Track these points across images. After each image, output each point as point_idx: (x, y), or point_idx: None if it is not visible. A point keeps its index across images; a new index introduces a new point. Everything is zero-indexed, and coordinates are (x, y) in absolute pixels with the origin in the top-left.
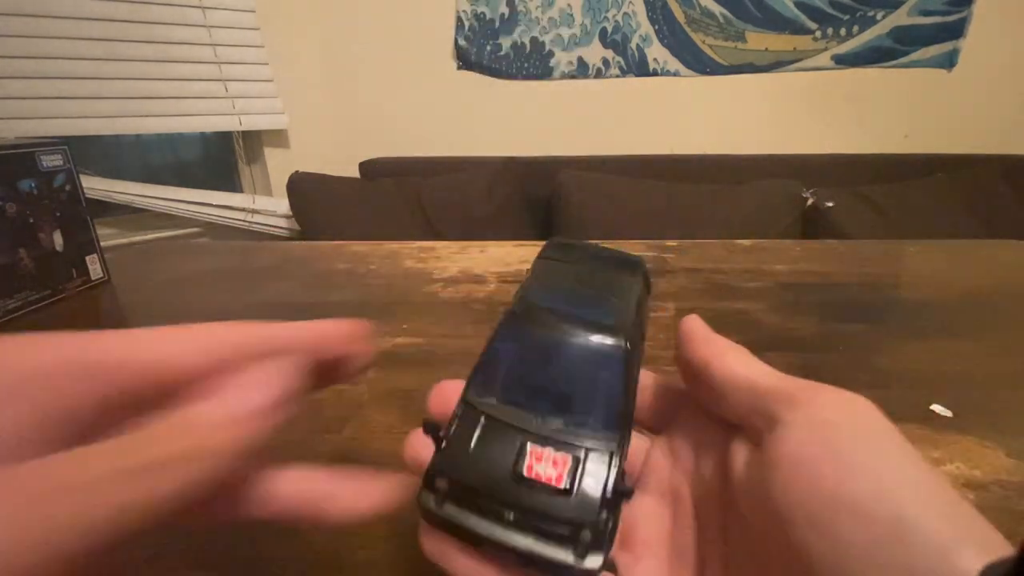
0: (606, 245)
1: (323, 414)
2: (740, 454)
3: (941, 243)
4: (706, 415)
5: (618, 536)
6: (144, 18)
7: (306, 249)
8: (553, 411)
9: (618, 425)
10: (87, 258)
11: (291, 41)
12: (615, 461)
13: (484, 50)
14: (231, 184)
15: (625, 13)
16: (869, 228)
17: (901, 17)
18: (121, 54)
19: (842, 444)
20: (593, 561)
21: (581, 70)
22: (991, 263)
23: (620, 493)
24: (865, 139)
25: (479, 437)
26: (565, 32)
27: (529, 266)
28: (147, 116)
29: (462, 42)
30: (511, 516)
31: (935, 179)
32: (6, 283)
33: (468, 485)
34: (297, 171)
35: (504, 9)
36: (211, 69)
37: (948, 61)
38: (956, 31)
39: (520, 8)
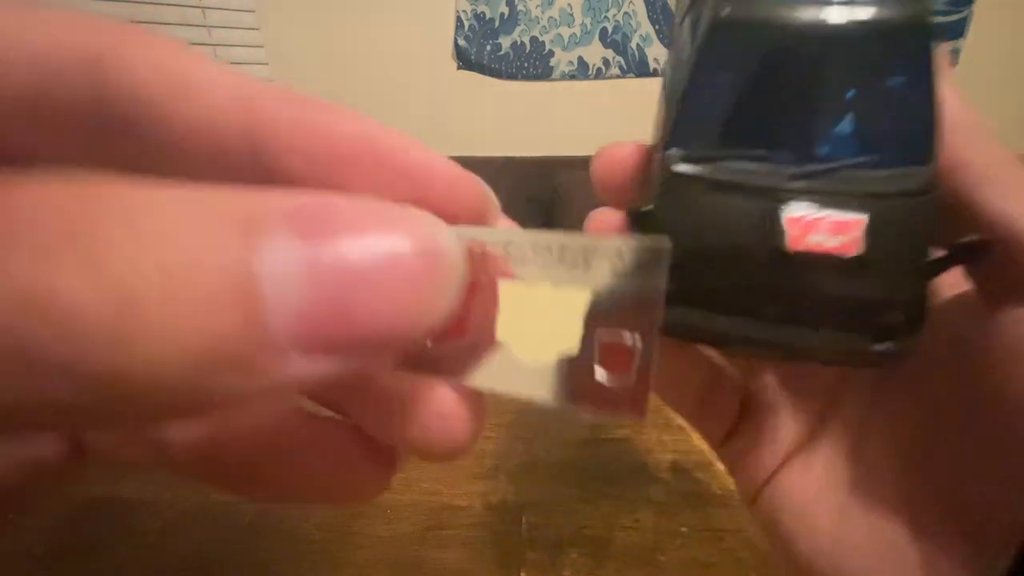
0: None
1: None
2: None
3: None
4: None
5: None
6: (144, 18)
7: None
8: (816, 153)
9: (923, 153)
10: None
11: (291, 41)
12: (929, 206)
13: (484, 50)
14: None
15: (625, 13)
16: None
17: None
18: None
19: None
20: (900, 346)
21: (581, 70)
22: None
23: (962, 248)
24: None
25: (706, 215)
26: (565, 32)
27: None
28: None
29: (462, 42)
30: (774, 311)
31: None
32: None
33: (704, 284)
34: None
35: (504, 9)
36: None
37: (948, 61)
38: (956, 31)
39: (520, 8)
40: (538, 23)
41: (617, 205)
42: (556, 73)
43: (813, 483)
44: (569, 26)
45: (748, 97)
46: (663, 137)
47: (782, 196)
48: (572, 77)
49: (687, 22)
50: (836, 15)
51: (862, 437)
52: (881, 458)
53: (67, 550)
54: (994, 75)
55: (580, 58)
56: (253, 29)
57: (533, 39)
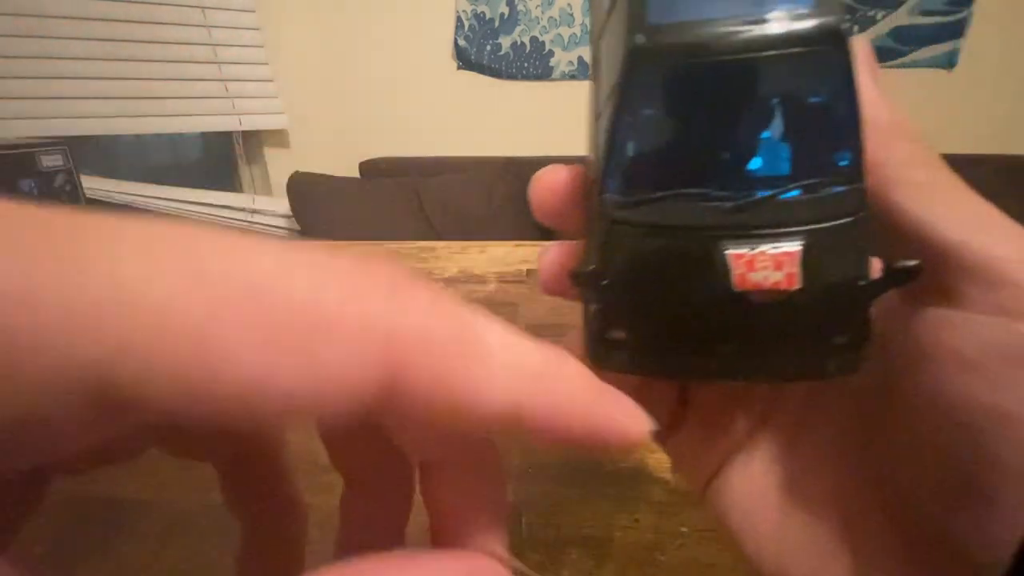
0: None
1: None
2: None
3: None
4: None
5: None
6: (144, 18)
7: None
8: (749, 182)
9: (852, 171)
10: None
11: (291, 41)
12: (860, 225)
13: (484, 50)
14: (231, 184)
15: None
16: None
17: (901, 17)
18: (121, 54)
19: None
20: (849, 362)
21: (581, 70)
22: None
23: (899, 272)
24: None
25: (651, 264)
26: (565, 32)
27: (530, 266)
28: (147, 116)
29: (462, 42)
30: (728, 347)
31: None
32: None
33: (658, 329)
34: (297, 171)
35: (504, 9)
36: (211, 69)
37: (948, 61)
38: (956, 31)
39: (520, 8)
40: (538, 23)
41: (559, 229)
42: (556, 73)
43: (754, 482)
44: (569, 26)
45: (675, 131)
46: (598, 179)
47: (722, 235)
48: (572, 77)
49: (604, 42)
50: (749, 36)
51: (799, 435)
52: (816, 457)
53: (67, 550)
54: (994, 75)
55: (580, 58)
56: (253, 29)
57: (533, 39)
